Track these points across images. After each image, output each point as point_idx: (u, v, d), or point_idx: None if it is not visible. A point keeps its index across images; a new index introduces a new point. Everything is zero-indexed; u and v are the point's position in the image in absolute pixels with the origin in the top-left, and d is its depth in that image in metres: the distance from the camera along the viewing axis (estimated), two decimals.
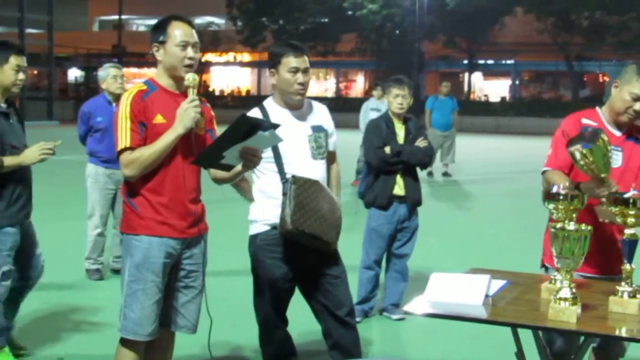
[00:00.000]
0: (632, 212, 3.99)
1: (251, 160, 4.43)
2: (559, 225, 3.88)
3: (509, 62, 59.10)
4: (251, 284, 5.22)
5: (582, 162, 4.24)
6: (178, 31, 4.47)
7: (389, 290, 7.38)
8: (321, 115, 5.23)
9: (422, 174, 16.97)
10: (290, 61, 4.95)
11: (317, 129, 5.12)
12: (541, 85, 62.71)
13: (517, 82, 61.83)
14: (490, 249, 10.59)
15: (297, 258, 5.04)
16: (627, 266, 4.04)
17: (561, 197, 4.20)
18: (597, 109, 4.77)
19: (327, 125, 5.21)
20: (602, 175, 4.30)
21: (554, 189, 4.31)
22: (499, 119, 45.27)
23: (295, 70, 4.95)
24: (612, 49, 50.81)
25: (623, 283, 4.04)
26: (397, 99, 7.10)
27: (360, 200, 7.29)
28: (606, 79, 58.84)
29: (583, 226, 3.82)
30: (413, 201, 7.17)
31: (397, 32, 50.94)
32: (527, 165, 23.02)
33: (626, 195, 4.03)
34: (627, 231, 4.04)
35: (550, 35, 51.05)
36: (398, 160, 6.98)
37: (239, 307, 6.57)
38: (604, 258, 4.66)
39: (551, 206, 4.28)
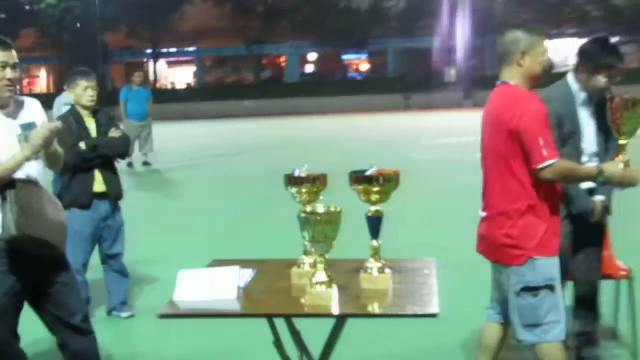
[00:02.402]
0: (375, 189, 3.94)
1: None
2: (309, 209, 3.74)
3: (191, 49, 59.38)
4: None
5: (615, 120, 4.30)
6: None
7: (113, 290, 6.99)
8: (31, 111, 4.75)
9: (122, 165, 16.47)
10: None
11: (27, 126, 4.63)
12: (224, 69, 63.52)
13: (200, 68, 62.34)
14: (216, 236, 10.34)
15: (23, 268, 4.55)
16: (373, 242, 4.00)
17: (303, 181, 4.13)
18: (513, 83, 4.36)
19: (39, 120, 4.74)
20: (621, 140, 4.31)
21: (296, 173, 4.19)
22: (187, 105, 45.30)
23: (4, 65, 4.46)
24: (288, 31, 52.59)
25: (371, 259, 4.00)
26: (87, 91, 6.62)
27: None
28: (283, 59, 60.89)
29: (332, 208, 3.70)
30: (114, 196, 6.78)
31: (78, 24, 49.42)
32: (222, 148, 23.21)
33: (367, 173, 3.98)
34: (372, 208, 3.98)
35: (230, 20, 51.86)
36: (95, 155, 6.55)
37: None
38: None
39: (294, 190, 4.16)
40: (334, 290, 3.71)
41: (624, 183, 4.29)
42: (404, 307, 3.79)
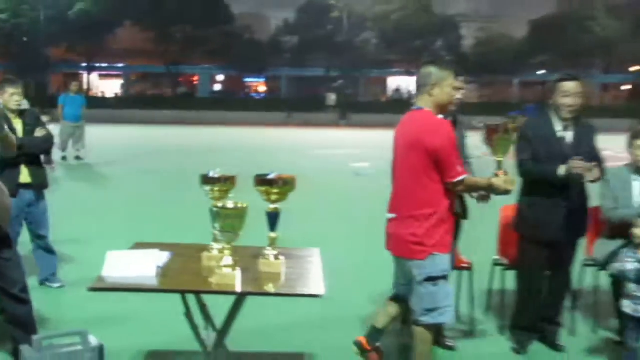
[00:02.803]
0: (275, 191, 3.89)
1: None
2: (220, 204, 3.66)
3: (120, 65, 58.18)
4: None
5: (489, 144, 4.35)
6: None
7: (43, 264, 6.69)
8: None
9: (57, 158, 15.89)
10: None
11: None
12: (146, 84, 62.37)
13: (127, 82, 61.15)
14: (137, 222, 9.97)
15: None
16: (271, 234, 3.95)
17: (216, 181, 4.04)
18: (426, 109, 4.22)
19: None
20: (498, 158, 4.32)
21: (210, 174, 4.09)
22: (114, 112, 44.08)
23: None
24: (201, 56, 52.23)
25: (269, 247, 3.95)
26: (13, 97, 6.26)
27: None
28: (196, 78, 60.23)
29: (240, 204, 3.63)
30: (38, 186, 6.45)
31: (25, 39, 47.56)
32: (144, 148, 22.72)
33: (269, 177, 3.92)
34: (271, 206, 3.93)
35: (153, 44, 51.07)
36: (21, 153, 6.20)
37: None
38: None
39: (208, 188, 4.06)
40: (238, 272, 3.64)
41: (508, 192, 4.35)
42: (295, 288, 3.75)
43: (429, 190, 4.12)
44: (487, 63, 45.44)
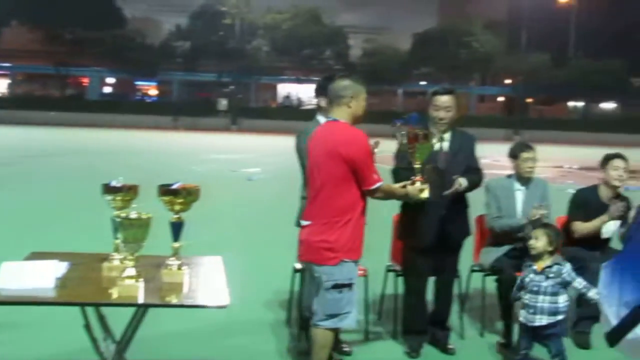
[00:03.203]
0: (179, 201, 3.77)
1: None
2: (123, 214, 3.51)
3: (6, 65, 55.62)
4: None
5: (410, 150, 4.37)
6: None
7: None
8: None
9: None
10: None
11: None
12: (33, 84, 59.94)
13: (13, 82, 58.68)
14: (29, 229, 9.36)
15: None
16: (174, 244, 3.82)
17: (118, 190, 3.89)
18: (343, 121, 4.21)
19: None
20: (416, 165, 4.34)
21: (113, 183, 3.92)
22: None
23: None
24: (91, 58, 50.80)
25: (172, 257, 3.82)
26: None
27: None
28: (86, 80, 58.43)
29: (144, 215, 3.49)
30: None
31: None
32: (33, 150, 21.78)
33: (173, 187, 3.80)
34: (175, 216, 3.81)
35: (41, 44, 49.20)
36: None
37: None
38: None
39: (109, 198, 3.90)
40: (140, 283, 3.50)
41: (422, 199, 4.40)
42: (198, 298, 3.63)
43: (347, 197, 4.15)
44: (373, 73, 46.09)
